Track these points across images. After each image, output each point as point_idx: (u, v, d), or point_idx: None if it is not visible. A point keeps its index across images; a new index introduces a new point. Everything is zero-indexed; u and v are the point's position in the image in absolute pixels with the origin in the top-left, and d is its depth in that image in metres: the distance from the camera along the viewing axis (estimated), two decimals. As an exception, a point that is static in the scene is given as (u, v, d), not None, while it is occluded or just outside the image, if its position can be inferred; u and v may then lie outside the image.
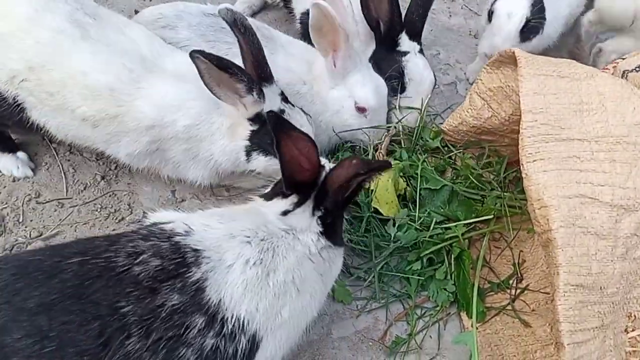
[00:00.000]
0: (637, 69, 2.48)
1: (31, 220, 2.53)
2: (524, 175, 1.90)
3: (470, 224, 2.54)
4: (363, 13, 2.75)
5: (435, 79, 2.92)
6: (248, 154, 2.33)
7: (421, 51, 2.90)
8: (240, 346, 1.62)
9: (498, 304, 2.48)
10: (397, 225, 2.51)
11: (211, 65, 2.02)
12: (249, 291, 1.65)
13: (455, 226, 2.51)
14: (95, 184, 2.69)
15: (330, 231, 1.89)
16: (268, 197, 1.96)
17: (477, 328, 2.35)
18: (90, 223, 2.56)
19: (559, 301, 1.80)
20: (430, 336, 2.42)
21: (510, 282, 2.54)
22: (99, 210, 2.61)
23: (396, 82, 2.82)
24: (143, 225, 1.80)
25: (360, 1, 2.72)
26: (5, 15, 2.11)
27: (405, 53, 2.84)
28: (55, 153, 2.74)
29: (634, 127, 1.91)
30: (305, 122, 2.36)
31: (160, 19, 2.60)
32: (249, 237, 1.73)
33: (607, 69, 2.70)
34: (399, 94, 2.86)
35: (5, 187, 2.61)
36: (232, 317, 1.61)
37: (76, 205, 2.60)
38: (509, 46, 2.51)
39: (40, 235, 2.48)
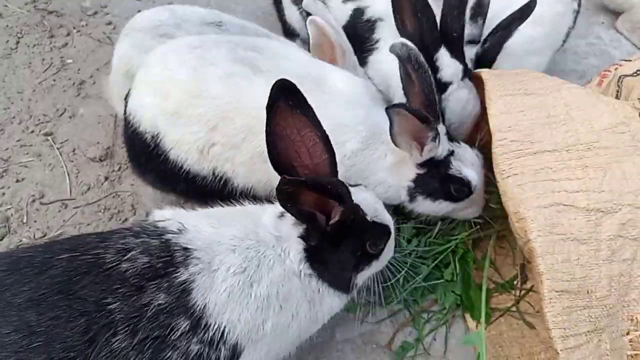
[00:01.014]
0: (636, 73, 2.45)
1: (35, 221, 2.57)
2: (501, 192, 1.89)
3: (475, 224, 2.51)
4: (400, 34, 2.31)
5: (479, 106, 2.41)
6: (412, 195, 2.23)
7: (465, 72, 2.35)
8: (222, 355, 1.59)
9: (502, 305, 2.46)
10: (405, 237, 2.45)
11: (410, 117, 1.94)
12: (232, 300, 1.60)
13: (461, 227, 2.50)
14: (99, 185, 2.72)
15: (316, 260, 1.74)
16: None
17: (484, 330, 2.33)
18: (93, 224, 2.57)
19: (546, 308, 1.78)
20: (435, 339, 2.39)
21: (515, 283, 2.52)
22: (102, 211, 2.63)
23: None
24: (140, 222, 1.75)
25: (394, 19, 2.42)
26: (168, 92, 2.02)
27: (446, 85, 2.34)
28: (59, 154, 2.79)
29: (602, 132, 1.89)
30: (474, 158, 2.25)
31: (160, 27, 2.50)
32: (235, 245, 1.66)
33: (608, 70, 2.66)
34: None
35: (9, 187, 2.66)
36: (214, 325, 1.57)
37: (80, 206, 2.63)
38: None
39: (44, 236, 2.51)
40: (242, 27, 2.57)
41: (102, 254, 1.54)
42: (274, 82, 1.78)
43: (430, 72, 2.06)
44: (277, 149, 1.65)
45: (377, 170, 2.19)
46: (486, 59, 2.53)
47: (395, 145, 2.11)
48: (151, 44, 2.37)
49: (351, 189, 1.65)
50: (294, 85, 1.61)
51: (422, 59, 2.06)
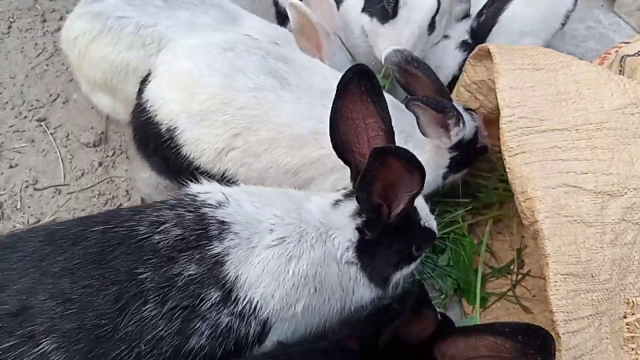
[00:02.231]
0: (639, 53, 2.38)
1: (29, 207, 2.51)
2: (507, 170, 1.82)
3: (472, 209, 2.47)
4: None
5: (437, 7, 2.44)
6: (445, 178, 2.25)
7: None
8: (252, 330, 1.56)
9: (499, 290, 2.41)
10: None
11: (428, 109, 1.94)
12: (267, 275, 1.56)
13: (456, 211, 2.44)
14: (93, 170, 2.66)
15: (365, 251, 1.71)
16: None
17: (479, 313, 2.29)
18: (87, 210, 2.52)
19: (550, 291, 1.71)
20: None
21: (512, 267, 2.46)
22: (96, 196, 2.57)
23: (390, 5, 2.39)
24: (179, 194, 1.72)
25: None
26: (195, 93, 1.96)
27: None
28: (52, 139, 2.72)
29: (613, 113, 1.81)
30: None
31: None
32: (274, 223, 1.63)
33: (609, 53, 2.61)
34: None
35: (2, 173, 2.59)
36: (245, 298, 1.54)
37: (74, 192, 2.57)
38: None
39: (38, 222, 2.45)
40: None
41: (135, 227, 1.55)
42: (300, 97, 1.95)
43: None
44: (340, 129, 1.64)
45: None
46: (483, 30, 2.54)
47: (425, 136, 2.09)
48: (85, 10, 2.38)
49: None
50: (371, 71, 1.59)
51: (415, 55, 2.11)
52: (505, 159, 1.82)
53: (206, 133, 1.96)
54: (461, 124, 2.04)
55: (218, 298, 1.51)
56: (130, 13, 2.36)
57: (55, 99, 2.92)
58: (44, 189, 2.58)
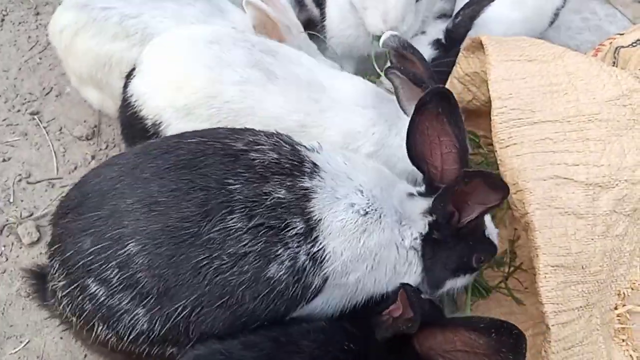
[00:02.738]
0: (634, 44, 2.35)
1: (22, 201, 2.49)
2: (499, 162, 1.80)
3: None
4: None
5: None
6: None
7: None
8: (315, 282, 1.57)
9: (491, 282, 2.38)
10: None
11: (406, 80, 1.95)
12: (344, 233, 1.57)
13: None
14: (86, 164, 2.64)
15: (431, 247, 1.73)
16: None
17: (470, 307, 2.26)
18: None
19: (540, 283, 1.70)
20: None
21: (504, 259, 2.43)
22: None
23: None
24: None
25: None
26: (180, 87, 1.95)
27: None
28: (45, 133, 2.70)
29: (605, 104, 1.79)
30: None
31: None
32: (363, 189, 1.65)
33: (603, 44, 2.59)
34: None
35: None
36: (322, 243, 1.55)
37: (67, 185, 2.54)
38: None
39: (31, 215, 2.43)
40: None
41: (232, 143, 1.57)
42: (286, 90, 1.97)
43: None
44: (416, 141, 1.70)
45: (395, 162, 2.15)
46: (457, 32, 2.53)
47: (404, 111, 2.07)
48: (72, 2, 2.37)
49: None
50: (450, 93, 1.64)
51: (409, 42, 2.12)
52: (496, 151, 1.80)
53: (192, 127, 1.93)
54: None
55: (302, 230, 1.51)
56: (115, 4, 2.33)
57: (48, 93, 2.90)
58: (37, 182, 2.56)
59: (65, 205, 1.60)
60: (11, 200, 2.48)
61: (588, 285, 1.75)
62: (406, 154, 2.10)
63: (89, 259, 1.45)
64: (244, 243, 1.46)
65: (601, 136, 1.77)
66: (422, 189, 1.81)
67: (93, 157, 2.64)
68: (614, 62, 2.32)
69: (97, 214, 1.47)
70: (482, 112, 2.41)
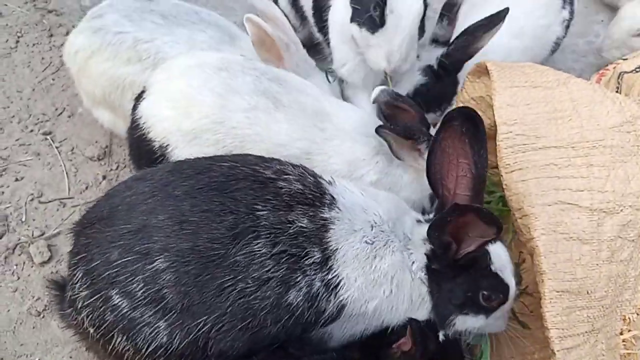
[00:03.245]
0: (637, 70, 2.37)
1: (34, 220, 2.51)
2: (504, 186, 1.81)
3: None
4: None
5: (424, 10, 2.40)
6: (432, 201, 2.22)
7: None
8: (330, 308, 1.61)
9: (497, 305, 2.37)
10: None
11: (397, 137, 1.98)
12: (357, 260, 1.62)
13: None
14: (97, 184, 2.66)
15: (433, 279, 1.74)
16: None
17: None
18: None
19: (545, 308, 1.70)
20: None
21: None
22: None
23: (377, 14, 2.32)
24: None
25: None
26: (188, 112, 1.97)
27: None
28: (57, 153, 2.72)
29: (608, 131, 1.80)
30: None
31: (95, 12, 2.47)
32: (375, 222, 1.70)
33: (607, 69, 2.59)
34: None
35: (8, 186, 2.59)
36: (336, 271, 1.59)
37: (78, 205, 2.57)
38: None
39: (43, 235, 2.44)
40: (175, 5, 2.50)
41: (261, 170, 1.63)
42: (293, 117, 2.00)
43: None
44: (436, 158, 1.72)
45: (398, 191, 2.18)
46: (451, 60, 2.52)
47: (400, 159, 2.11)
48: (87, 26, 2.42)
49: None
50: (477, 116, 1.67)
51: (398, 92, 2.19)
52: (502, 175, 1.81)
53: (198, 152, 1.95)
54: None
55: (319, 259, 1.56)
56: (128, 28, 2.38)
57: (60, 113, 2.92)
58: (49, 202, 2.58)
59: (93, 215, 1.63)
60: (23, 219, 2.50)
61: (593, 310, 1.75)
62: (408, 183, 2.16)
63: (114, 270, 1.48)
64: (267, 268, 1.50)
65: (605, 162, 1.77)
66: (431, 216, 1.83)
67: (104, 177, 2.66)
68: (617, 88, 2.33)
69: (126, 227, 1.50)
70: (489, 136, 2.42)
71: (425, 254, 1.73)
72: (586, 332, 1.74)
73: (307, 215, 1.57)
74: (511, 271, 1.85)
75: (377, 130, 2.02)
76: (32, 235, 2.45)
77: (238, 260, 1.48)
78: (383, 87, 2.20)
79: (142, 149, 2.07)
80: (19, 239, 2.42)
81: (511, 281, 1.82)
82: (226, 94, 1.97)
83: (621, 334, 1.83)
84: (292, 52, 2.45)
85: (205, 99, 1.96)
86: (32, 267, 2.36)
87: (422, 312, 1.79)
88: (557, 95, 1.87)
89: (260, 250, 1.49)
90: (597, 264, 1.74)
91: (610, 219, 1.75)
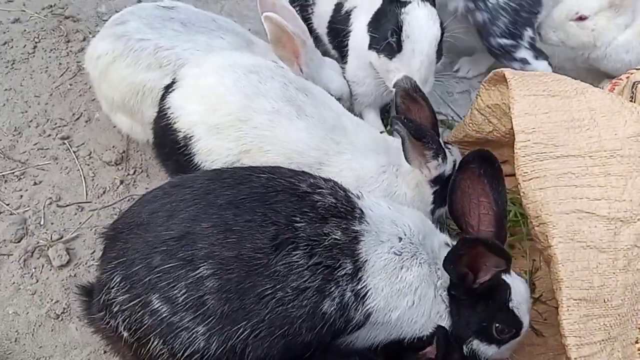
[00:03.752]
0: None
1: (52, 223, 2.52)
2: (521, 194, 1.81)
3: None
4: None
5: (441, 34, 2.44)
6: (433, 213, 2.29)
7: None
8: (357, 317, 1.66)
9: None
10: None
11: (409, 134, 2.00)
12: (384, 271, 1.68)
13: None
14: (114, 188, 2.67)
15: (454, 302, 1.82)
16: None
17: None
18: None
19: (563, 316, 1.70)
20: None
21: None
22: (117, 214, 2.57)
23: (394, 40, 2.41)
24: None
25: None
26: (216, 109, 2.03)
27: (405, 3, 2.39)
28: (75, 157, 2.74)
29: (626, 140, 1.80)
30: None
31: (117, 18, 2.52)
32: (405, 234, 1.76)
33: (620, 79, 2.59)
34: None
35: (27, 190, 2.61)
36: (365, 281, 1.64)
37: (95, 209, 2.58)
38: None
39: (61, 238, 2.45)
40: (194, 12, 2.57)
41: (297, 183, 1.68)
42: (312, 128, 2.07)
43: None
44: (456, 197, 1.81)
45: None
46: None
47: (408, 162, 2.12)
48: (110, 32, 2.47)
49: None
50: (493, 157, 1.78)
51: (418, 85, 2.22)
52: (519, 184, 1.81)
53: (219, 145, 2.03)
54: (440, 159, 2.10)
55: (350, 270, 1.61)
56: (150, 35, 2.43)
57: (78, 118, 2.94)
58: (67, 205, 2.59)
59: (130, 220, 1.65)
60: (42, 222, 2.51)
61: (610, 318, 1.75)
62: (410, 200, 2.21)
63: (157, 276, 1.50)
64: (304, 279, 1.55)
65: (623, 172, 1.77)
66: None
67: (121, 182, 2.66)
68: (631, 97, 2.32)
69: (168, 232, 1.54)
70: (503, 144, 2.42)
71: (448, 279, 1.80)
72: (603, 340, 1.74)
73: (340, 227, 1.62)
74: (528, 308, 1.90)
75: (392, 120, 2.06)
76: (51, 238, 2.46)
77: (278, 269, 1.52)
78: (406, 75, 2.26)
79: (167, 138, 2.13)
80: (38, 242, 2.43)
81: (526, 318, 1.87)
82: (253, 95, 2.04)
83: (637, 342, 1.81)
84: (307, 49, 2.50)
85: (233, 98, 2.02)
86: (50, 270, 2.37)
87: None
88: (575, 104, 1.87)
89: (298, 261, 1.54)
90: (614, 273, 1.74)
91: (627, 228, 1.75)
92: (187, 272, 1.48)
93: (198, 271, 1.48)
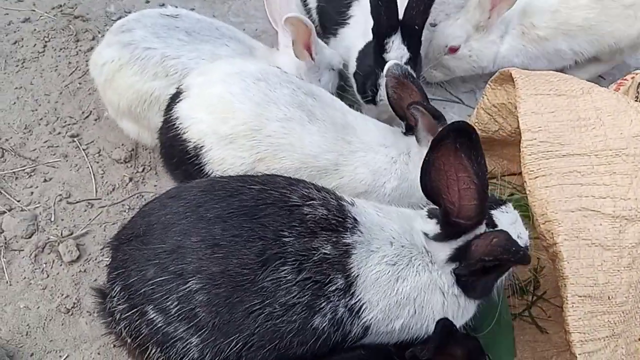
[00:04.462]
0: None
1: (62, 220, 2.54)
2: (527, 192, 1.82)
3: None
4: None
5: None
6: None
7: (411, 60, 2.48)
8: (355, 331, 1.64)
9: (515, 311, 2.37)
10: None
11: (427, 115, 2.02)
12: (378, 284, 1.64)
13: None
14: (124, 185, 2.68)
15: (468, 287, 1.78)
16: (428, 211, 1.87)
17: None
18: (118, 223, 2.53)
19: (568, 312, 1.71)
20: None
21: (528, 287, 2.44)
22: (127, 210, 2.60)
23: (372, 95, 2.55)
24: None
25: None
26: (227, 118, 2.01)
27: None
28: (85, 155, 2.76)
29: (632, 140, 1.81)
30: None
31: (123, 25, 2.50)
32: (394, 238, 1.72)
33: (625, 79, 2.60)
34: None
35: (37, 187, 2.62)
36: (359, 296, 1.61)
37: (105, 206, 2.60)
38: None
39: (71, 234, 2.47)
40: (197, 21, 2.56)
41: (288, 195, 1.64)
42: (324, 130, 2.06)
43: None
44: (431, 178, 1.66)
45: (414, 192, 2.22)
46: None
47: (419, 143, 2.17)
48: (115, 39, 2.45)
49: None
50: (470, 128, 1.59)
51: (411, 71, 2.19)
52: (525, 182, 1.82)
53: (232, 155, 2.01)
54: None
55: (342, 285, 1.58)
56: (156, 45, 2.42)
57: (87, 116, 2.95)
58: (77, 202, 2.60)
59: (130, 232, 1.66)
60: (52, 219, 2.53)
61: (614, 315, 1.76)
62: None
63: (150, 288, 1.52)
64: (293, 294, 1.53)
65: (628, 170, 1.78)
66: (438, 228, 1.79)
67: (130, 180, 2.66)
68: (636, 98, 2.34)
69: (161, 246, 1.54)
70: (508, 143, 2.44)
71: (451, 273, 1.76)
72: (607, 336, 1.75)
73: (330, 241, 1.59)
74: (520, 225, 1.85)
75: (409, 106, 2.06)
76: (61, 234, 2.47)
77: (266, 286, 1.51)
78: (396, 61, 2.24)
79: (176, 149, 2.10)
80: (48, 238, 2.45)
81: (526, 236, 1.84)
82: (264, 103, 2.02)
83: (640, 339, 1.84)
84: (317, 40, 2.55)
85: (244, 107, 2.00)
86: (61, 265, 2.39)
87: (467, 315, 1.85)
88: (581, 103, 1.88)
89: (286, 277, 1.52)
90: (618, 270, 1.75)
91: (632, 226, 1.76)
92: (177, 286, 1.49)
93: (187, 285, 1.49)
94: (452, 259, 1.74)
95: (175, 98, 2.14)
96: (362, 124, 2.26)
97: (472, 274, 1.73)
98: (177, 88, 2.20)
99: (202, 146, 2.03)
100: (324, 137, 2.07)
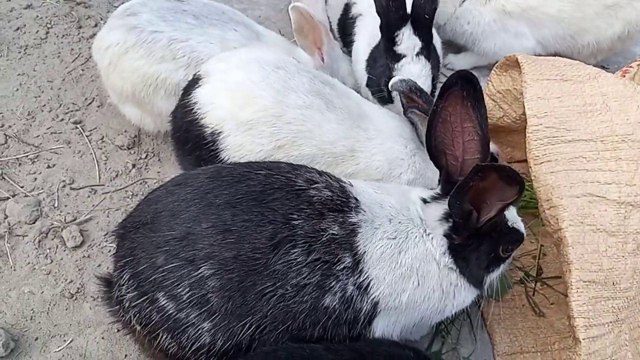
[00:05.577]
0: None
1: (66, 206, 2.52)
2: (532, 177, 1.82)
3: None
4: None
5: (433, 88, 2.48)
6: None
7: (424, 49, 2.40)
8: (365, 307, 1.64)
9: (518, 297, 2.39)
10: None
11: (425, 118, 1.97)
12: (383, 259, 1.64)
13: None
14: (127, 171, 2.67)
15: (460, 256, 1.73)
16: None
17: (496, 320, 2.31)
18: (122, 209, 2.52)
19: (572, 297, 1.71)
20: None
21: (529, 272, 2.44)
22: (130, 197, 2.58)
23: (386, 92, 2.46)
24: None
25: None
26: (247, 104, 2.02)
27: (399, 57, 2.41)
28: (88, 141, 2.74)
29: (638, 125, 1.80)
30: None
31: (128, 9, 2.46)
32: (392, 215, 1.72)
33: (630, 66, 2.58)
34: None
35: (40, 173, 2.61)
36: (366, 273, 1.62)
37: (108, 192, 2.58)
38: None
39: (75, 220, 2.46)
40: (204, 5, 2.51)
41: (294, 179, 1.65)
42: (342, 118, 2.08)
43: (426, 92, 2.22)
44: (437, 131, 1.68)
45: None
46: None
47: (423, 144, 2.12)
48: (120, 23, 2.42)
49: None
50: (475, 78, 1.61)
51: (417, 85, 2.19)
52: (531, 167, 1.82)
53: (251, 142, 2.01)
54: None
55: (350, 264, 1.59)
56: (163, 28, 2.39)
57: (90, 103, 2.93)
58: (80, 188, 2.59)
59: (137, 220, 1.65)
60: (56, 205, 2.52)
61: (618, 301, 1.76)
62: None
63: (161, 275, 1.52)
64: (303, 275, 1.54)
65: (634, 156, 1.78)
66: (437, 190, 1.81)
67: (134, 166, 2.63)
68: (641, 84, 2.32)
69: (170, 233, 1.54)
70: (513, 130, 2.43)
71: (444, 234, 1.72)
72: (611, 322, 1.75)
73: (337, 222, 1.60)
74: (518, 217, 1.85)
75: (405, 111, 2.08)
76: (65, 220, 2.46)
77: (277, 268, 1.52)
78: (401, 77, 2.25)
79: (192, 134, 2.09)
80: (52, 224, 2.43)
81: (521, 226, 1.83)
82: (284, 90, 2.03)
83: (643, 325, 1.84)
84: (330, 38, 2.54)
85: (264, 93, 2.01)
86: (64, 251, 2.38)
87: (461, 295, 1.80)
88: (587, 89, 1.87)
89: (297, 259, 1.53)
90: (623, 256, 1.76)
91: (637, 212, 1.76)
92: (189, 272, 1.49)
93: (199, 271, 1.49)
94: (444, 217, 1.72)
95: (194, 84, 2.13)
96: (379, 114, 2.27)
97: (468, 229, 1.69)
98: (195, 74, 2.19)
99: (220, 132, 2.03)
100: (341, 125, 2.09)
